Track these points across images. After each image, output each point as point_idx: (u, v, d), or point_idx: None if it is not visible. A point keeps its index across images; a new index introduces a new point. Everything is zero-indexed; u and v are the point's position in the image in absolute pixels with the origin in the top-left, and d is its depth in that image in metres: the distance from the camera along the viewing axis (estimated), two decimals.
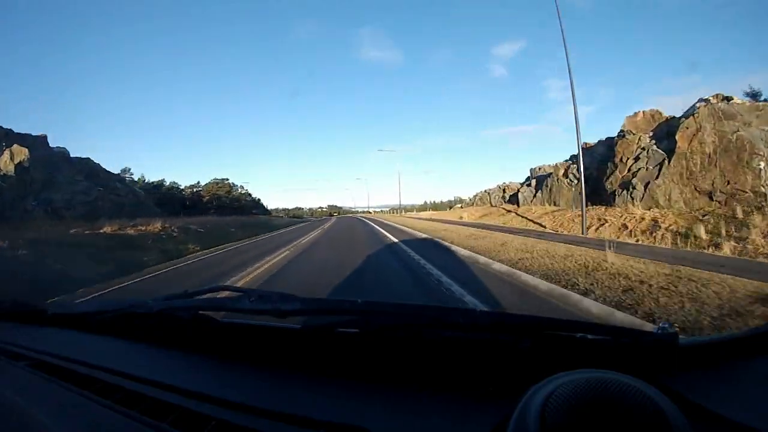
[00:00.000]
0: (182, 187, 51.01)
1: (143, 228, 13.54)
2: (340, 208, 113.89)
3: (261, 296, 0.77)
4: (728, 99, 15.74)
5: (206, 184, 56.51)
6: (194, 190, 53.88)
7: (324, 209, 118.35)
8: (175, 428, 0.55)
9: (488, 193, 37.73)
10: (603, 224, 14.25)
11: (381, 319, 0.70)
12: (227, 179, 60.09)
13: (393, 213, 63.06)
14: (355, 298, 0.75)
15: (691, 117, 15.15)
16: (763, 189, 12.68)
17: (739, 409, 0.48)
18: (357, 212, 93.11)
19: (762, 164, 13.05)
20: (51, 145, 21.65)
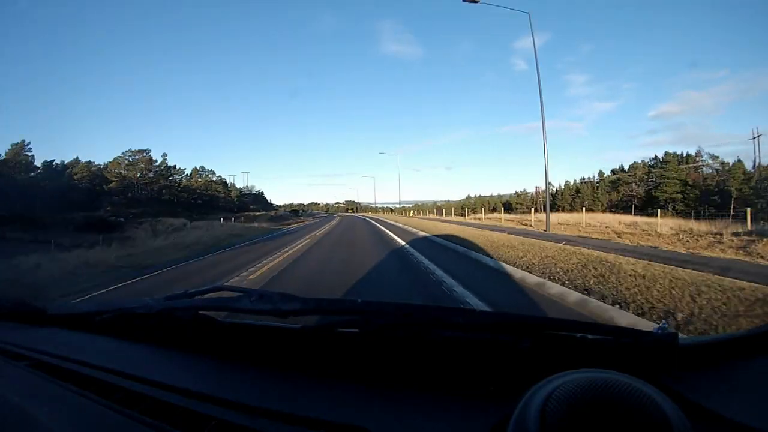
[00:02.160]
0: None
1: None
2: (359, 204, 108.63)
3: (261, 296, 0.77)
4: None
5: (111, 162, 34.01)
6: (92, 171, 30.33)
7: (342, 204, 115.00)
8: (175, 428, 0.55)
9: None
10: None
11: (381, 318, 0.70)
12: (150, 151, 37.31)
13: (445, 216, 36.87)
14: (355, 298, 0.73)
15: None
16: None
17: (739, 409, 0.48)
18: (378, 210, 77.14)
19: None
20: None
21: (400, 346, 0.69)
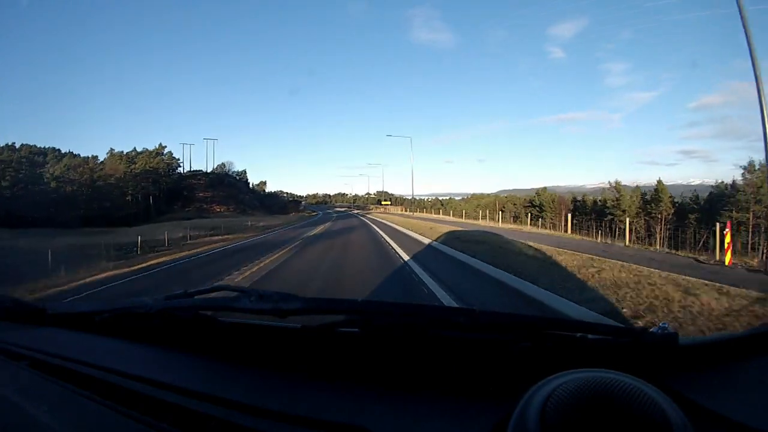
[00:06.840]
0: None
1: None
2: (392, 195, 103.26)
3: (261, 296, 0.77)
4: None
5: None
6: None
7: (372, 195, 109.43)
8: (175, 428, 0.55)
9: None
10: None
11: (381, 318, 0.70)
12: None
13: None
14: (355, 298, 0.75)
15: None
16: None
17: (739, 409, 0.48)
18: (423, 206, 59.05)
19: None
20: None
21: (400, 346, 0.69)
